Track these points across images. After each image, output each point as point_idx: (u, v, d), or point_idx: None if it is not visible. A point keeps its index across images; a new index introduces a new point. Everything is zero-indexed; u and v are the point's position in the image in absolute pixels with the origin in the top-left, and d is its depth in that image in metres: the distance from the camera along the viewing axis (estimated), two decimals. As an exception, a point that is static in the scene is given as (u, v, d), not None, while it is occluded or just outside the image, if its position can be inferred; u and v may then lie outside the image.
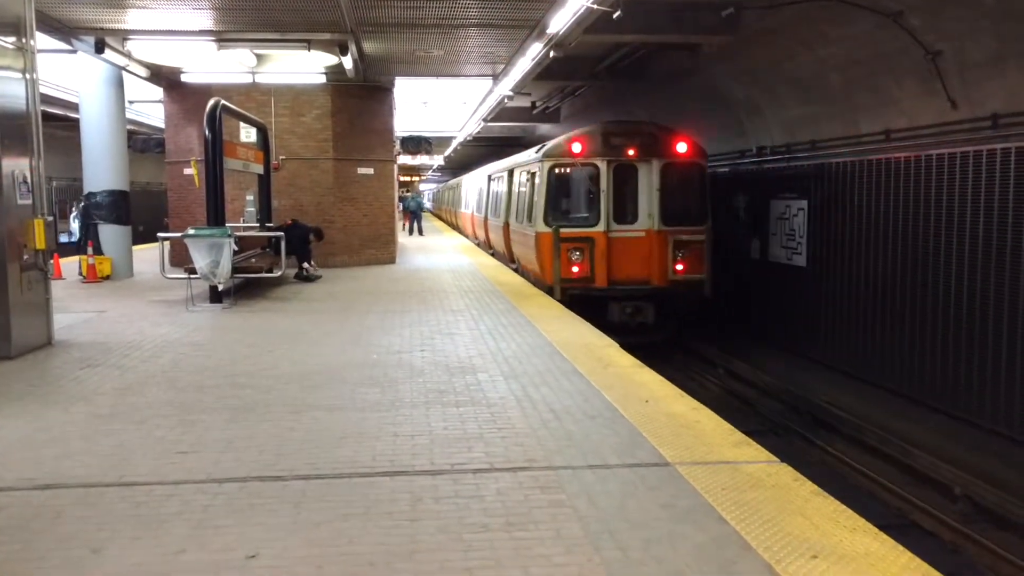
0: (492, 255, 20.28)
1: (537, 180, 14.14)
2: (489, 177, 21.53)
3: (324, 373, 6.96)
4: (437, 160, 41.71)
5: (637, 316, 13.30)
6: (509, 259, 17.83)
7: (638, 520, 3.80)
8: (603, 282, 13.35)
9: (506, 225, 17.70)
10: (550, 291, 12.88)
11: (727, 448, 4.89)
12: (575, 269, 13.37)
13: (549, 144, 14.45)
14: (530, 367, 7.15)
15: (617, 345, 8.30)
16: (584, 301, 12.75)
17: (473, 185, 27.12)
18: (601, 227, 13.41)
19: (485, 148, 36.38)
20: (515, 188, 16.82)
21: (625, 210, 13.61)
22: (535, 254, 14.07)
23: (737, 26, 13.00)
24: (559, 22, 10.54)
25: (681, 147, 13.64)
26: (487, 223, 21.51)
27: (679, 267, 13.53)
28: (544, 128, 27.76)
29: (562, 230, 13.27)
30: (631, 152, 13.47)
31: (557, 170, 13.83)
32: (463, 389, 6.39)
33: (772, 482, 4.29)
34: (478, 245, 24.30)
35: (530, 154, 15.87)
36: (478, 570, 3.32)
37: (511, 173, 17.35)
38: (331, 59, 13.33)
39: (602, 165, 13.43)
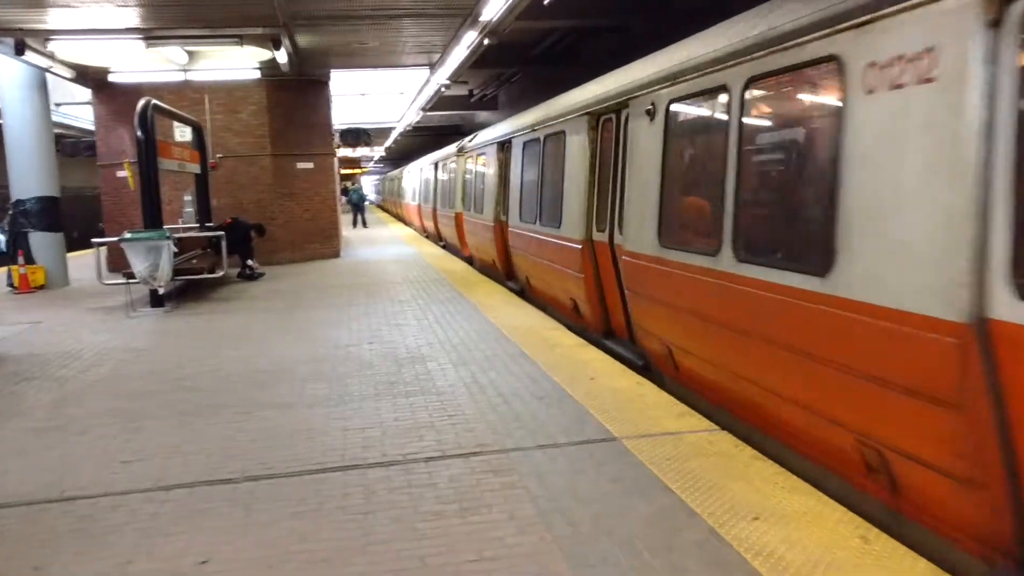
0: (443, 247, 20.21)
1: None
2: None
3: (272, 371, 6.89)
4: (378, 152, 41.30)
5: None
6: (461, 247, 17.71)
7: (588, 496, 3.88)
8: None
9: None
10: None
11: (670, 419, 5.02)
12: None
13: None
14: (478, 353, 7.20)
15: (563, 327, 8.40)
16: None
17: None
18: None
19: (426, 137, 36.23)
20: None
21: None
22: None
23: (666, 7, 13.12)
24: (492, 9, 10.52)
25: None
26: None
27: None
28: (483, 116, 27.71)
29: None
30: None
31: None
32: (412, 379, 6.40)
33: (714, 450, 4.43)
34: (427, 237, 24.18)
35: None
36: (432, 557, 3.36)
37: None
38: (265, 54, 13.07)
39: None
